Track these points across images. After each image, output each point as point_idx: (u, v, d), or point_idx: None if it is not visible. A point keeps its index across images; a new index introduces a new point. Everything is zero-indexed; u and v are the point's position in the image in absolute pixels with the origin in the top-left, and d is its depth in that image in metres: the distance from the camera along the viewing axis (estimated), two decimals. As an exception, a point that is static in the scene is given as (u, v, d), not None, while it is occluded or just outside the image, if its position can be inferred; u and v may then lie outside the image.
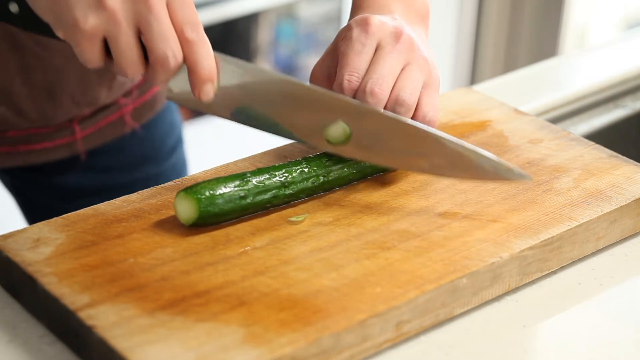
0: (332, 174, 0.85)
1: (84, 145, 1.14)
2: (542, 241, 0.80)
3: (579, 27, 2.81)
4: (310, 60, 2.87)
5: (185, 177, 0.87)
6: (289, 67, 2.77)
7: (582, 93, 1.18)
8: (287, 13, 2.76)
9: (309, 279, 0.74)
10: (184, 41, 0.75)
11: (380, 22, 0.86)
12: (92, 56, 0.74)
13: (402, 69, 0.85)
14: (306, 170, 0.84)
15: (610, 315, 0.78)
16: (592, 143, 0.95)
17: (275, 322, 0.70)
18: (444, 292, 0.74)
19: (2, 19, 0.77)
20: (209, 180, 0.80)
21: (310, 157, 0.85)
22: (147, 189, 0.85)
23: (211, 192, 0.79)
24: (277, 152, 0.91)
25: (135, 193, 0.84)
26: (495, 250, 0.78)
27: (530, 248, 0.79)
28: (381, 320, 0.71)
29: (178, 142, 1.26)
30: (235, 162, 0.89)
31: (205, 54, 0.76)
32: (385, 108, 0.84)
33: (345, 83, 0.84)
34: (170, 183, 0.86)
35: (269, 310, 0.71)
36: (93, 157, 1.16)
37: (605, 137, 1.15)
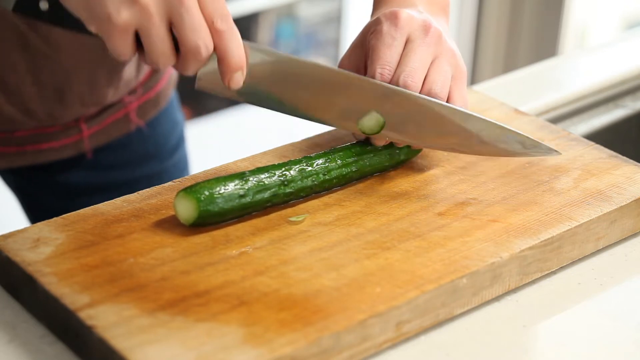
0: (331, 172, 0.85)
1: (90, 144, 1.15)
2: (542, 241, 0.80)
3: (579, 27, 2.81)
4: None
5: (185, 177, 0.87)
6: (289, 67, 2.77)
7: (582, 93, 1.18)
8: (287, 13, 2.76)
9: (309, 279, 0.74)
10: (214, 31, 0.76)
11: (409, 15, 0.88)
12: (124, 49, 0.75)
13: (432, 62, 0.87)
14: (306, 169, 0.84)
15: (610, 315, 0.78)
16: (592, 143, 0.95)
17: (275, 322, 0.70)
18: (444, 292, 0.74)
19: (32, 16, 0.78)
20: (209, 180, 0.80)
21: (310, 156, 0.85)
22: (147, 189, 0.85)
23: (210, 191, 0.79)
24: (277, 152, 0.91)
25: (135, 193, 0.84)
26: (495, 250, 0.78)
27: (530, 248, 0.79)
28: (381, 320, 0.71)
29: (180, 140, 1.26)
30: (235, 162, 0.89)
31: (235, 44, 0.77)
32: None
33: (378, 76, 0.86)
34: (170, 183, 0.86)
35: (269, 310, 0.71)
36: (97, 155, 1.17)
37: (605, 137, 1.15)
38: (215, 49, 0.76)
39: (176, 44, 0.76)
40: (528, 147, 0.85)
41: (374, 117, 0.85)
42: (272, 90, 0.84)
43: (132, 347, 0.67)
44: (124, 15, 0.73)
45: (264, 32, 2.73)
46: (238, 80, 0.78)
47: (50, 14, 0.78)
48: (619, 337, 0.76)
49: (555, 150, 0.85)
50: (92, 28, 0.75)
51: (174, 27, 0.75)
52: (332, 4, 2.80)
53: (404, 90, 0.84)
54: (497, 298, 0.79)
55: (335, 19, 2.82)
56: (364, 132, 0.86)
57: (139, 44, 0.76)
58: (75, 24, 0.77)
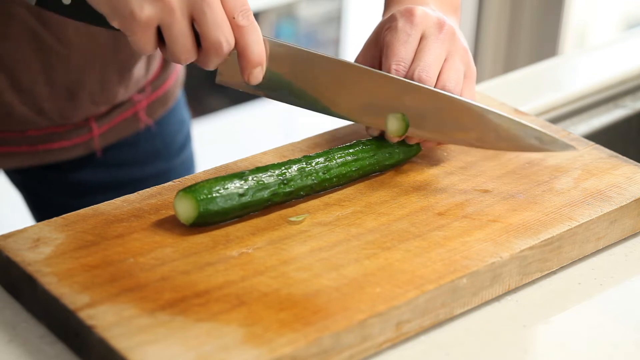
0: (331, 171, 0.85)
1: (100, 143, 1.15)
2: (542, 241, 0.80)
3: (579, 27, 2.81)
4: (310, 60, 2.86)
5: (186, 177, 0.87)
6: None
7: (582, 93, 1.18)
8: (287, 13, 2.76)
9: (309, 279, 0.74)
10: (235, 27, 0.77)
11: (423, 12, 0.89)
12: (145, 44, 0.76)
13: (445, 59, 0.88)
14: (306, 167, 0.84)
15: (610, 315, 0.78)
16: (592, 143, 0.95)
17: (275, 322, 0.70)
18: (444, 292, 0.74)
19: (54, 10, 0.79)
20: (208, 180, 0.80)
21: (310, 155, 0.85)
22: (147, 189, 0.85)
23: (210, 190, 0.79)
24: (277, 152, 0.91)
25: (135, 193, 0.84)
26: (495, 250, 0.78)
27: (530, 248, 0.79)
28: (381, 320, 0.71)
29: (187, 139, 1.27)
30: (235, 162, 0.89)
31: (256, 40, 0.78)
32: None
33: (393, 72, 0.87)
34: (170, 183, 0.86)
35: (269, 310, 0.71)
36: (106, 153, 1.17)
37: (605, 137, 1.15)
38: (235, 44, 0.77)
39: (197, 39, 0.76)
40: (545, 142, 0.85)
41: (397, 118, 0.86)
42: (292, 85, 0.85)
43: (132, 347, 0.67)
44: (147, 11, 0.74)
45: (264, 32, 2.72)
46: (257, 75, 0.79)
47: (72, 9, 0.79)
48: (619, 337, 0.76)
49: (572, 146, 0.86)
50: (114, 24, 0.76)
51: (196, 22, 0.76)
52: (332, 4, 2.80)
53: (423, 85, 0.85)
54: (497, 298, 0.79)
55: (335, 19, 2.82)
56: (392, 135, 0.87)
57: (160, 38, 0.76)
58: (96, 19, 0.78)
